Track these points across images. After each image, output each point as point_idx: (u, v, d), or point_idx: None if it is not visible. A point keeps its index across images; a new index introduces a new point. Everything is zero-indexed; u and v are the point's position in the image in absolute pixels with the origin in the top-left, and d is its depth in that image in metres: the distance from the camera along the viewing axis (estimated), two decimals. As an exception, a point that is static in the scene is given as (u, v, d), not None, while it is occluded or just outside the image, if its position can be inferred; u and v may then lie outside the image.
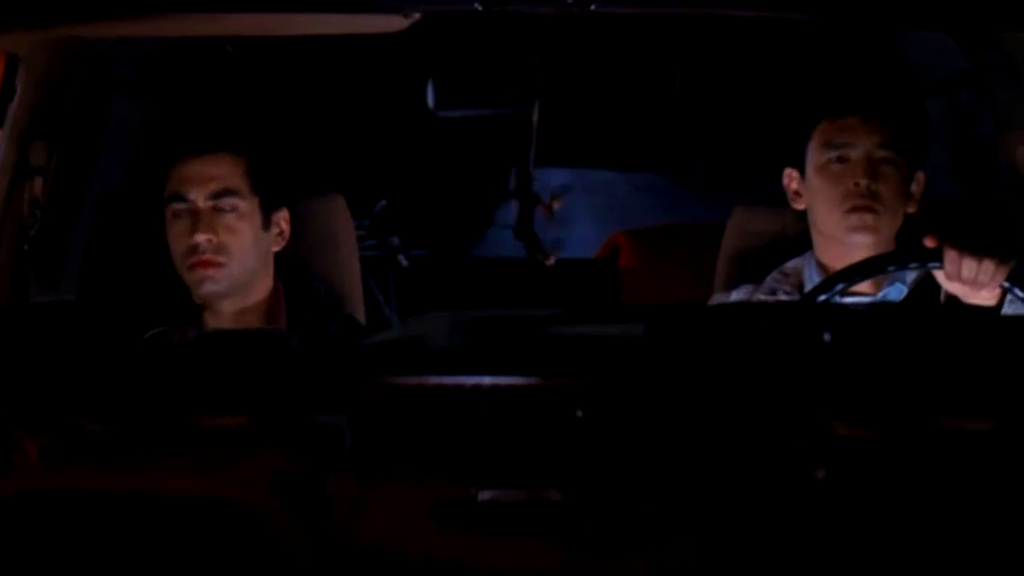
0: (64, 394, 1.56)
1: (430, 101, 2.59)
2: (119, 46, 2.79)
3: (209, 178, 2.48)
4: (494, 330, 1.61)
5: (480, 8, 2.14)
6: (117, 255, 2.72)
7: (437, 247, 3.84)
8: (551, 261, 1.76)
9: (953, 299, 2.27)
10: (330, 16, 2.26)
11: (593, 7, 2.14)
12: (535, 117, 1.91)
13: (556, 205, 1.74)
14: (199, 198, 2.47)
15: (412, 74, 3.03)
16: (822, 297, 2.23)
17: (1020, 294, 2.21)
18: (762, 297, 2.57)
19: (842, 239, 2.48)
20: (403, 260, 3.61)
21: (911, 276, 2.49)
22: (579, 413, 1.50)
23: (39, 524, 1.17)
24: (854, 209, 2.46)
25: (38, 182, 2.52)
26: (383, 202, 3.62)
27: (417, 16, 2.19)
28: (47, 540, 1.15)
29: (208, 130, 2.56)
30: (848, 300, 2.32)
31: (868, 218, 2.45)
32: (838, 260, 2.45)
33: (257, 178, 2.50)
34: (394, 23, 2.23)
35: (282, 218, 2.56)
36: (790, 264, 2.60)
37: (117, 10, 2.27)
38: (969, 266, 2.19)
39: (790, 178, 2.58)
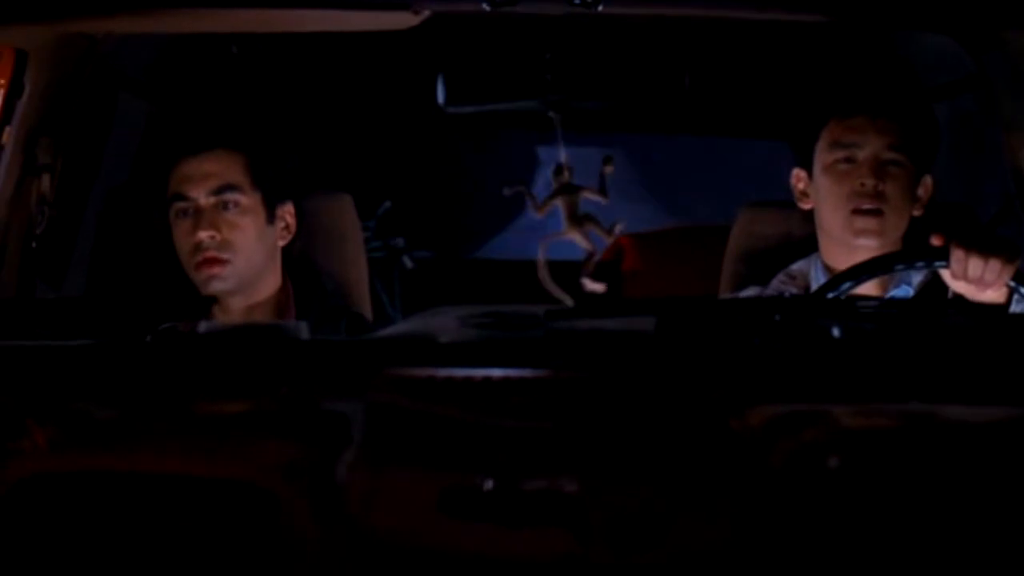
0: (76, 382, 1.56)
1: (439, 98, 2.58)
2: (125, 45, 2.79)
3: (209, 175, 2.49)
4: (503, 323, 1.61)
5: (488, 8, 2.14)
6: (124, 253, 2.72)
7: (442, 248, 3.84)
8: (620, 230, 1.74)
9: (960, 299, 2.27)
10: (340, 13, 2.27)
11: (601, 8, 2.15)
12: (557, 118, 1.91)
13: (608, 170, 1.72)
14: (200, 196, 2.48)
15: (417, 75, 3.03)
16: (830, 296, 2.24)
17: (1026, 293, 2.22)
18: (769, 298, 2.57)
19: (847, 241, 2.48)
20: (408, 261, 3.62)
21: (917, 278, 2.50)
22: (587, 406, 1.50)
23: (54, 504, 1.18)
24: (859, 211, 2.46)
25: (45, 179, 2.53)
26: (388, 203, 3.63)
27: (427, 13, 2.19)
28: (62, 520, 1.16)
29: (206, 128, 2.57)
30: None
31: (873, 221, 2.46)
32: (844, 262, 2.45)
33: (258, 173, 2.51)
34: (403, 20, 2.23)
35: (287, 212, 2.56)
36: (796, 266, 2.61)
37: (123, 6, 2.27)
38: (975, 265, 2.20)
39: (797, 178, 2.58)
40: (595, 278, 1.74)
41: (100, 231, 2.76)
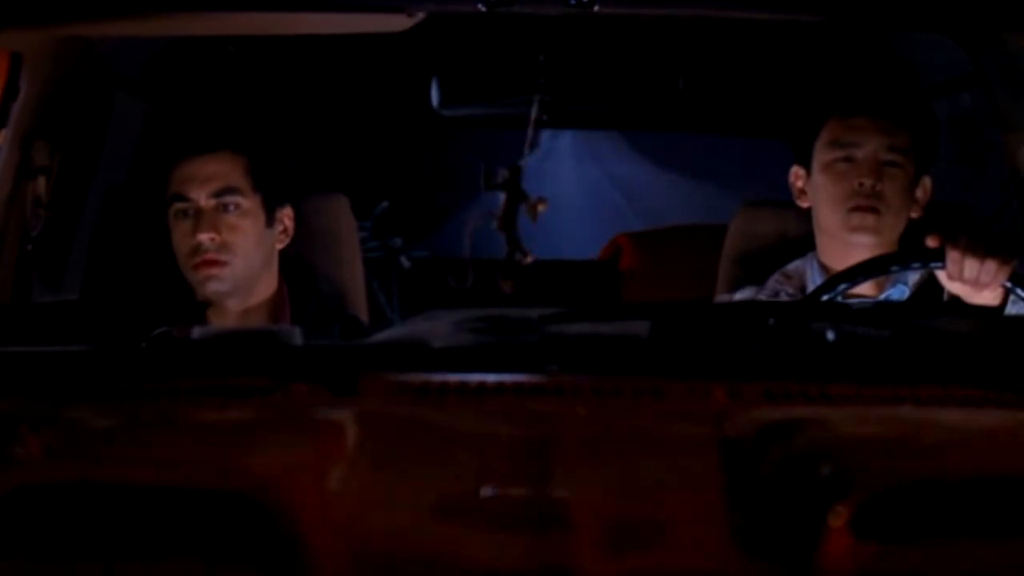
0: (69, 388, 1.56)
1: (434, 100, 2.58)
2: (121, 46, 2.79)
3: (210, 177, 2.48)
4: (498, 328, 1.61)
5: (483, 9, 2.14)
6: (120, 255, 2.72)
7: (439, 248, 3.85)
8: (528, 260, 1.75)
9: (956, 300, 2.27)
10: (334, 16, 2.27)
11: (596, 8, 2.15)
12: (532, 115, 1.91)
13: (541, 208, 1.73)
14: (201, 197, 2.48)
15: (414, 74, 3.03)
16: (825, 297, 2.23)
17: (1022, 294, 2.22)
18: (764, 299, 2.57)
19: (844, 239, 2.48)
20: (405, 261, 3.62)
21: (913, 277, 2.50)
22: (581, 411, 1.50)
23: (44, 516, 1.18)
24: (857, 208, 2.46)
25: (41, 181, 2.53)
26: (385, 203, 3.63)
27: (421, 15, 2.19)
28: (52, 532, 1.16)
29: (208, 129, 2.56)
30: (850, 301, 2.32)
31: (870, 219, 2.45)
32: (840, 261, 2.45)
33: (258, 176, 2.51)
34: (398, 22, 2.23)
35: (285, 215, 2.56)
36: (792, 266, 2.61)
37: (120, 9, 2.27)
38: (971, 266, 2.20)
39: (796, 176, 2.58)
40: (509, 277, 1.75)
41: (97, 232, 2.75)
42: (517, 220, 1.73)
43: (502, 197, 1.73)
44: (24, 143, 2.49)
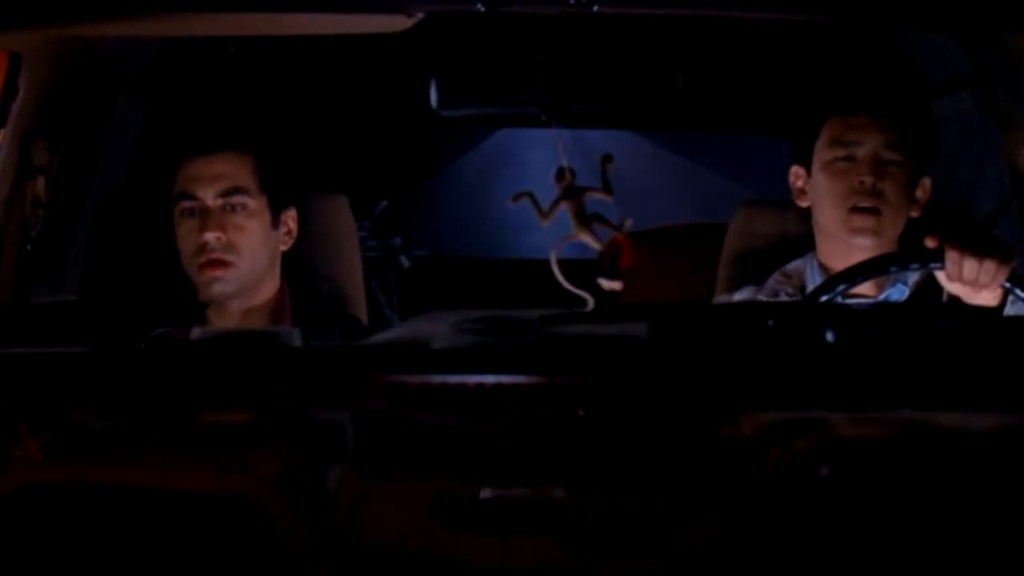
0: (68, 390, 1.56)
1: (433, 101, 2.58)
2: (121, 46, 2.79)
3: (217, 176, 2.47)
4: (497, 329, 1.61)
5: (482, 9, 2.14)
6: (120, 255, 2.72)
7: (439, 247, 3.85)
8: (628, 225, 1.72)
9: (955, 300, 2.27)
10: (333, 16, 2.27)
11: (596, 8, 2.15)
12: (556, 120, 1.90)
13: (609, 168, 1.70)
14: (208, 196, 2.47)
15: (413, 74, 3.03)
16: (824, 298, 2.23)
17: (1021, 294, 2.21)
18: (764, 299, 2.57)
19: (844, 239, 2.48)
20: (405, 261, 3.62)
21: (913, 277, 2.49)
22: (580, 412, 1.50)
23: (44, 518, 1.18)
24: (857, 209, 2.46)
25: (40, 181, 2.53)
26: (384, 203, 3.63)
27: (420, 16, 2.19)
28: (52, 533, 1.16)
29: (216, 129, 2.55)
30: (850, 302, 2.32)
31: (870, 220, 2.45)
32: (840, 261, 2.45)
33: (265, 176, 2.50)
34: (397, 23, 2.23)
35: (290, 217, 2.56)
36: (791, 265, 2.61)
37: (120, 9, 2.27)
38: (970, 266, 2.20)
39: (796, 176, 2.58)
40: (610, 276, 1.74)
41: (97, 232, 2.75)
42: (587, 211, 1.71)
43: (567, 211, 1.71)
44: (24, 143, 2.49)
